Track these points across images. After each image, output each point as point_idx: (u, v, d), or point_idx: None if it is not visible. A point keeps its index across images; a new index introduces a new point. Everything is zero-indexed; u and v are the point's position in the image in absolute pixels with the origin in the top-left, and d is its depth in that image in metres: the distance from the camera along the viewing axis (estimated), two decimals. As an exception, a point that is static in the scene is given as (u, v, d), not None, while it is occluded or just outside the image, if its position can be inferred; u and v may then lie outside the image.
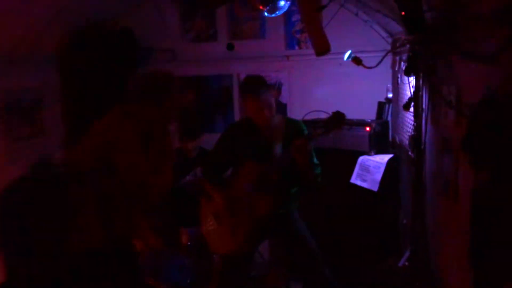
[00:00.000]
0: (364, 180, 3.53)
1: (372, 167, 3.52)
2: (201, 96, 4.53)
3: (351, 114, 3.48)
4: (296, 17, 4.20)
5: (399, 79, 3.75)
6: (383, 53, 3.16)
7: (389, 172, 3.49)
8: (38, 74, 3.79)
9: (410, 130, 3.02)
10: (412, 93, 2.92)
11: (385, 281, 3.31)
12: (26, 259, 2.04)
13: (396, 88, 3.86)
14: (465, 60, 1.94)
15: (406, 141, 3.28)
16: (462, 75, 2.13)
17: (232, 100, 4.49)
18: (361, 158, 3.59)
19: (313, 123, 2.84)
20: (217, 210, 2.89)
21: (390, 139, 3.91)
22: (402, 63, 3.32)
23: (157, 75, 2.28)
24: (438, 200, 2.69)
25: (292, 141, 2.66)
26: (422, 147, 2.86)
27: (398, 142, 3.83)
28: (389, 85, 3.97)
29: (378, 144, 3.64)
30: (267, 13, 2.92)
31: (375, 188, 3.45)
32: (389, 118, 3.93)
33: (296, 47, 4.32)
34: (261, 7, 2.90)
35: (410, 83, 3.04)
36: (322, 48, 2.63)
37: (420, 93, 2.86)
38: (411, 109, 2.93)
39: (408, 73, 2.83)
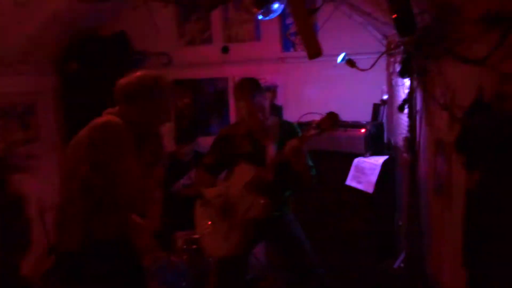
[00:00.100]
0: (359, 182, 3.54)
1: (367, 169, 3.52)
2: (197, 99, 4.53)
3: (347, 116, 3.49)
4: (291, 20, 4.20)
5: (393, 81, 3.77)
6: (377, 55, 3.17)
7: (385, 173, 3.49)
8: (32, 79, 3.79)
9: (405, 132, 3.03)
10: (406, 94, 2.93)
11: (381, 283, 3.31)
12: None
13: (391, 90, 3.87)
14: (457, 63, 1.95)
15: (401, 143, 3.29)
16: (455, 77, 2.14)
17: (227, 103, 4.49)
18: (356, 160, 3.60)
19: (309, 125, 2.84)
20: (212, 213, 2.89)
21: (385, 140, 3.92)
22: (396, 65, 3.33)
23: (144, 76, 2.28)
24: (433, 201, 2.70)
25: (287, 143, 2.66)
26: (417, 148, 2.87)
27: (393, 144, 3.84)
28: (384, 87, 3.98)
29: (374, 145, 3.64)
30: (261, 16, 2.92)
31: (370, 190, 3.45)
32: (384, 120, 3.94)
33: (291, 49, 4.33)
34: (255, 10, 2.89)
35: (404, 85, 3.06)
36: (314, 51, 2.64)
37: (414, 94, 2.87)
38: (406, 110, 2.94)
39: (402, 75, 2.85)
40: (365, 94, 4.02)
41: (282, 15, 3.97)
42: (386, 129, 3.93)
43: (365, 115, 3.92)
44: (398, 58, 3.19)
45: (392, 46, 3.48)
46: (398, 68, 2.95)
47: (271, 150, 2.80)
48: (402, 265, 3.16)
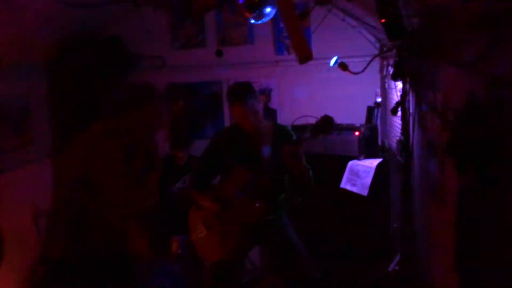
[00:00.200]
0: (354, 185, 3.54)
1: (361, 172, 3.53)
2: (191, 103, 4.53)
3: (341, 118, 3.49)
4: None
5: (386, 84, 3.78)
6: (371, 58, 3.18)
7: (379, 176, 3.49)
8: (26, 82, 3.77)
9: (398, 134, 3.04)
10: (399, 97, 2.94)
11: (375, 285, 3.31)
12: None
13: (384, 92, 3.89)
14: (448, 66, 1.96)
15: (394, 145, 3.30)
16: (446, 81, 2.15)
17: (222, 107, 4.49)
18: (350, 163, 3.60)
19: (303, 128, 2.85)
20: (207, 217, 2.89)
21: (380, 143, 3.93)
22: (390, 67, 3.34)
23: (136, 87, 2.29)
24: (426, 203, 2.71)
25: (281, 146, 2.67)
26: (410, 151, 2.87)
27: (387, 146, 3.85)
28: (378, 90, 3.99)
29: (368, 148, 3.65)
30: (254, 19, 2.92)
31: (364, 192, 3.46)
32: (379, 123, 3.95)
33: (285, 53, 4.34)
34: (247, 14, 2.90)
35: (397, 88, 3.06)
36: (305, 55, 2.65)
37: (407, 97, 2.88)
38: (399, 113, 2.95)
39: (395, 78, 2.85)
40: (359, 96, 4.03)
41: (275, 19, 3.97)
42: (380, 132, 3.94)
43: (359, 118, 3.93)
44: (391, 61, 3.20)
45: (384, 49, 3.49)
46: (391, 70, 2.96)
47: (265, 154, 2.80)
48: (397, 267, 3.16)
